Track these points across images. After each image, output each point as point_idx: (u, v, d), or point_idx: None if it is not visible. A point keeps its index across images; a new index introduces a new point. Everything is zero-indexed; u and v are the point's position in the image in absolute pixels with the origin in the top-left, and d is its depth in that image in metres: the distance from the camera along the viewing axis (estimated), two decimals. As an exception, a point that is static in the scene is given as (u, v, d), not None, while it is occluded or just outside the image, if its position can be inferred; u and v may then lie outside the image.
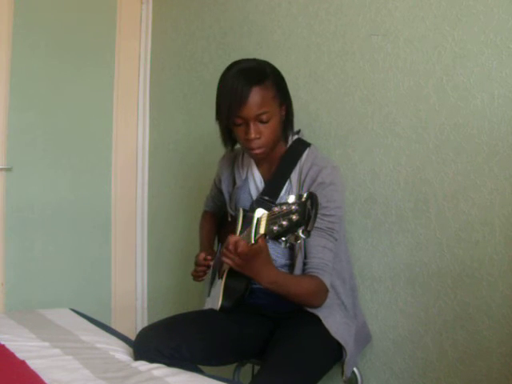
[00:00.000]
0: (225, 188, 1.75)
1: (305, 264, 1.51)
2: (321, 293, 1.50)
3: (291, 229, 1.15)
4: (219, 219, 1.92)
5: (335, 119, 1.83)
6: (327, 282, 1.49)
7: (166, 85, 2.69)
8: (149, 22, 2.81)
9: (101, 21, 2.74)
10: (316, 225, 1.42)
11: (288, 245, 1.21)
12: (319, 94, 1.88)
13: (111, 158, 2.79)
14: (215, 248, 1.88)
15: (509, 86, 1.40)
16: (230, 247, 1.33)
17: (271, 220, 1.18)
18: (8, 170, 2.47)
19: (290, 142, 1.63)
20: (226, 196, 1.74)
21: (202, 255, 1.70)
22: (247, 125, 1.50)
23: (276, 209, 1.18)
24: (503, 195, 1.42)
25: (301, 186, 1.56)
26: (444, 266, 1.55)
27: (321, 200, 1.45)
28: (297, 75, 1.95)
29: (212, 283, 1.71)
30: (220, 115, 1.55)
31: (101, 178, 2.77)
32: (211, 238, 1.87)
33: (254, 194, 1.64)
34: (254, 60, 1.57)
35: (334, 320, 1.54)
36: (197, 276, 1.73)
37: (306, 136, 1.70)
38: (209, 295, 1.71)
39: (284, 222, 1.14)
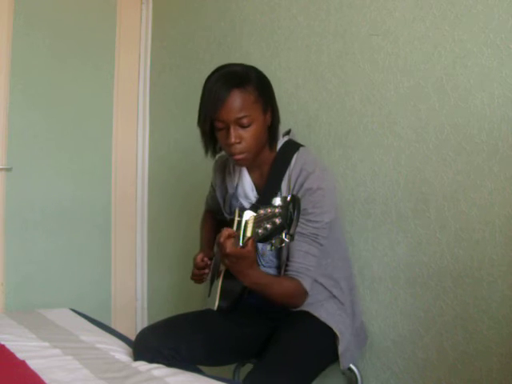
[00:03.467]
0: (219, 194, 1.74)
1: (286, 266, 1.50)
2: (299, 295, 1.49)
3: (275, 232, 1.14)
4: (219, 219, 1.92)
5: (335, 119, 1.83)
6: (306, 286, 1.48)
7: (166, 85, 2.69)
8: (149, 22, 2.81)
9: (101, 21, 2.74)
10: (300, 230, 1.45)
11: (274, 248, 1.19)
12: (319, 94, 1.88)
13: (111, 157, 2.79)
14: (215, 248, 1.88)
15: (509, 86, 1.40)
16: (220, 247, 1.33)
17: (257, 223, 1.17)
18: (8, 170, 2.47)
19: (279, 145, 1.59)
20: (221, 201, 1.73)
21: (200, 257, 1.70)
22: (228, 129, 1.47)
23: (262, 211, 1.16)
24: (503, 195, 1.42)
25: (290, 192, 1.53)
26: (444, 266, 1.55)
27: (307, 206, 1.46)
28: (297, 75, 1.95)
29: (212, 283, 1.71)
30: (200, 119, 1.52)
31: (101, 178, 2.78)
32: (211, 238, 1.86)
33: (245, 202, 1.62)
34: (241, 64, 1.53)
35: (324, 310, 1.55)
36: (197, 279, 1.73)
37: (306, 136, 1.70)
38: (209, 295, 1.71)
39: (268, 225, 1.13)
